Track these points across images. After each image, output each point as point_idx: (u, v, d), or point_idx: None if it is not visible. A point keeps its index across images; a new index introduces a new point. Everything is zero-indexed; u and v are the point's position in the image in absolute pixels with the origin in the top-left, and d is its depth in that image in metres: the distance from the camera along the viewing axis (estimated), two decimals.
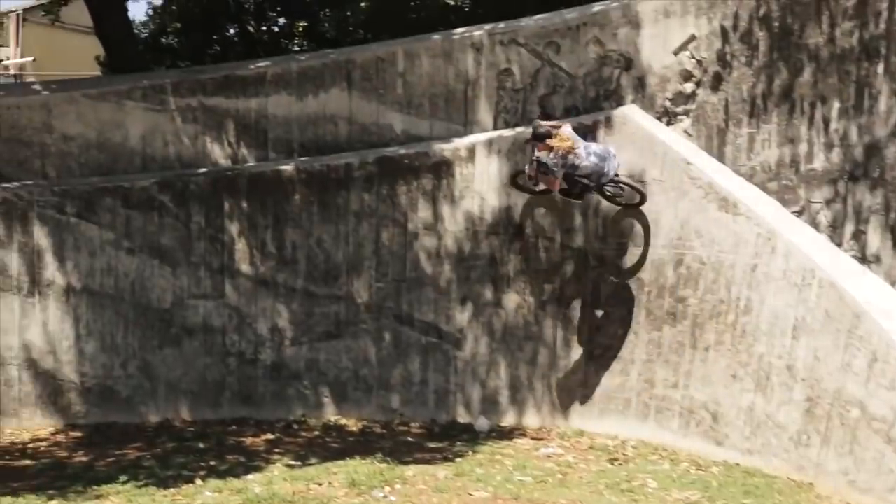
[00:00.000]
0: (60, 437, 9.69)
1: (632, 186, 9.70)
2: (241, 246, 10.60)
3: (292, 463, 8.50)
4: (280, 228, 10.63)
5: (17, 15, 25.42)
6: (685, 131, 10.20)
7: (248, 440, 9.56)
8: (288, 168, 10.73)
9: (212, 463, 8.51)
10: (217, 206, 10.58)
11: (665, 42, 10.29)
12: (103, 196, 10.39)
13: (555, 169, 9.51)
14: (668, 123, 10.24)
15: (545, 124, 9.76)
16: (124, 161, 11.10)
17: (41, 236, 10.19)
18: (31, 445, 9.37)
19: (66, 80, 13.05)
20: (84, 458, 8.81)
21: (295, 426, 10.14)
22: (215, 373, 10.45)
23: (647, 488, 7.85)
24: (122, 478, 7.88)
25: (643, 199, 9.71)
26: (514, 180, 10.37)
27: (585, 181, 9.54)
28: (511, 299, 10.31)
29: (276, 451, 9.08)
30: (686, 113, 10.27)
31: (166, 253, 10.46)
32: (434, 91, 11.23)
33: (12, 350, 10.00)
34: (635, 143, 9.83)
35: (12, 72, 25.03)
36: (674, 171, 9.48)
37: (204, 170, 10.92)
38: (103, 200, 10.36)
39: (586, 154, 9.48)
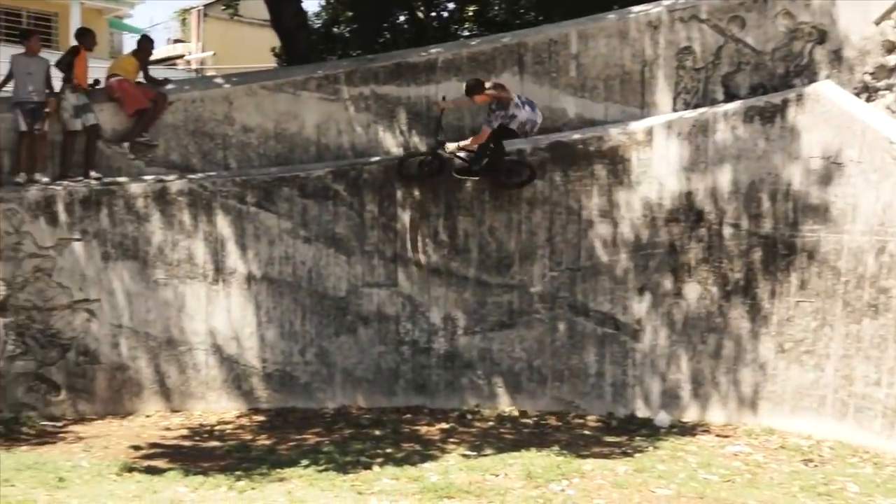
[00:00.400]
0: (244, 421, 9.96)
1: (522, 163, 9.99)
2: (413, 234, 10.59)
3: (467, 453, 8.41)
4: (452, 217, 10.56)
5: (199, 11, 26.62)
6: (888, 108, 9.44)
7: (423, 429, 9.54)
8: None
9: (388, 450, 8.51)
10: (389, 194, 10.61)
11: (865, 11, 9.57)
12: (281, 186, 10.58)
13: (492, 119, 9.69)
14: (868, 100, 9.53)
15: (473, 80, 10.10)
16: (300, 151, 11.30)
17: (224, 225, 10.47)
18: (217, 427, 9.67)
19: (245, 72, 13.43)
20: (267, 442, 9.00)
21: (469, 416, 10.06)
22: (389, 361, 10.50)
23: (847, 492, 7.32)
24: (304, 462, 7.97)
25: (533, 175, 9.93)
26: (401, 168, 10.20)
27: (517, 133, 9.87)
28: (692, 289, 9.86)
29: (451, 440, 9.02)
30: (889, 88, 9.51)
31: (341, 241, 10.57)
32: (609, 73, 10.89)
33: (199, 335, 10.34)
34: (830, 121, 9.16)
35: (193, 66, 26.22)
36: (875, 152, 8.77)
37: (376, 158, 10.98)
38: (281, 190, 10.55)
39: (521, 103, 9.88)
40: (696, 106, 10.32)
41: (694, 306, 9.83)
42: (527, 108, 10.00)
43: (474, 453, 8.38)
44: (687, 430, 9.45)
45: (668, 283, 9.96)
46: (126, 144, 10.85)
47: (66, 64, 10.92)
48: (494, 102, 9.95)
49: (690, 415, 9.82)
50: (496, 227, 10.48)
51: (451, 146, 10.19)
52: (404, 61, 11.48)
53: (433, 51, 11.70)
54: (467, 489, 7.15)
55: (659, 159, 10.00)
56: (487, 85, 10.03)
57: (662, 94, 10.60)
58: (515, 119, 9.87)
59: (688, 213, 9.90)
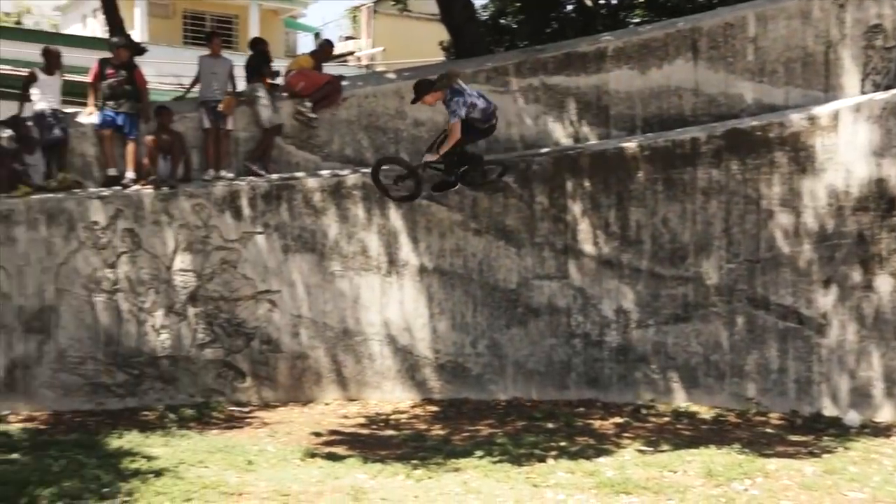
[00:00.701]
0: (418, 410, 10.12)
1: (495, 162, 9.57)
2: (584, 226, 10.48)
3: (643, 448, 8.25)
4: (623, 207, 10.38)
5: (369, 8, 27.33)
6: None
7: (596, 423, 9.43)
8: (630, 145, 10.45)
9: (562, 444, 8.46)
10: (559, 185, 10.53)
11: None
12: None
13: (456, 108, 9.09)
14: None
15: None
16: None
17: (396, 218, 10.66)
18: (392, 417, 9.87)
19: (416, 67, 13.62)
20: (441, 432, 9.12)
21: (643, 411, 9.87)
22: (561, 353, 10.43)
23: None
24: (478, 453, 8.02)
25: (505, 170, 9.56)
26: (376, 176, 9.68)
27: (480, 125, 9.29)
28: (885, 282, 9.31)
29: (626, 435, 8.87)
30: None
31: (511, 233, 10.57)
32: (789, 55, 10.44)
33: (374, 326, 10.59)
34: None
35: (363, 62, 26.92)
36: None
37: (546, 150, 10.92)
38: None
39: (475, 94, 9.29)
40: (888, 87, 9.72)
41: (886, 300, 9.28)
42: (481, 99, 9.65)
43: (650, 449, 8.22)
44: (880, 430, 8.93)
45: (856, 276, 9.43)
46: (309, 104, 11.15)
47: (255, 67, 11.33)
48: (448, 94, 9.53)
49: (884, 415, 9.27)
50: (669, 218, 10.22)
51: (428, 157, 9.72)
52: (574, 51, 11.39)
53: (603, 39, 11.54)
54: (644, 485, 7.03)
55: (846, 145, 9.48)
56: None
57: (849, 76, 10.05)
58: (476, 108, 9.46)
59: (878, 200, 9.34)
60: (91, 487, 6.82)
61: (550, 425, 9.27)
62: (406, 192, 9.88)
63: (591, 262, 10.42)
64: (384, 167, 10.10)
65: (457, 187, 10.10)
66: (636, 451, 8.16)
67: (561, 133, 11.31)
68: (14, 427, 9.27)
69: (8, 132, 10.71)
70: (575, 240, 10.48)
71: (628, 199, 10.36)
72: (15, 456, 7.90)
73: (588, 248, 10.44)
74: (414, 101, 9.96)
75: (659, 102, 11.00)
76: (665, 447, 8.26)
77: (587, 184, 10.47)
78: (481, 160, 9.92)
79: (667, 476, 7.31)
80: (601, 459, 7.85)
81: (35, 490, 6.71)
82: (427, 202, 10.58)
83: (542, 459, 7.87)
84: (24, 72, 12.53)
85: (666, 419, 9.57)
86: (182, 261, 10.49)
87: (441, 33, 17.20)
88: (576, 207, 10.50)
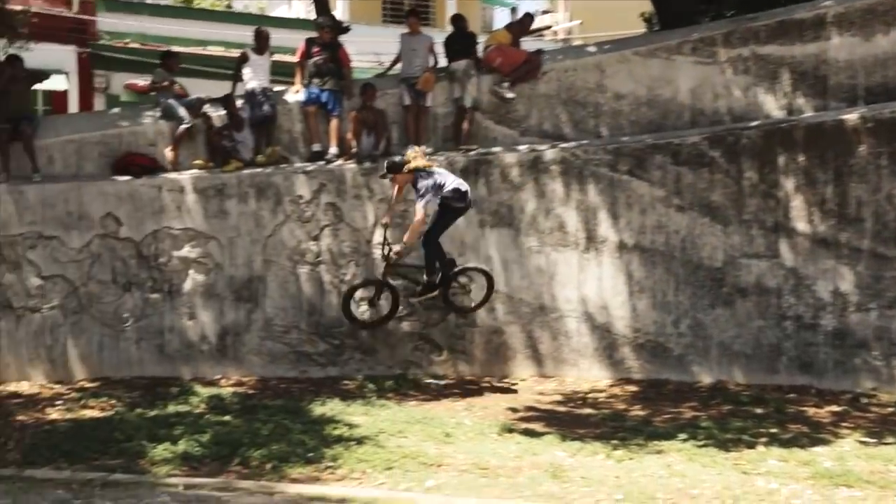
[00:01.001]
0: (616, 390, 9.86)
1: (478, 270, 9.35)
2: (796, 203, 9.91)
3: (865, 440, 7.75)
4: (842, 183, 9.77)
5: None
6: None
7: (810, 410, 8.90)
8: (851, 117, 9.81)
9: (772, 430, 8.05)
10: (770, 160, 10.00)
11: None
12: (653, 153, 10.31)
13: (424, 192, 8.63)
14: None
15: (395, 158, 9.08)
16: (673, 117, 10.98)
17: (595, 194, 10.40)
18: (590, 395, 9.65)
19: (617, 39, 13.21)
20: (641, 413, 8.84)
21: (863, 400, 9.25)
22: (770, 336, 9.88)
23: None
24: (681, 436, 7.75)
25: (491, 283, 9.19)
26: (347, 308, 9.44)
27: (455, 203, 8.86)
28: None
29: (844, 425, 8.34)
30: None
31: (716, 210, 10.12)
32: None
33: (571, 303, 10.38)
34: None
35: (560, 36, 26.62)
36: None
37: (756, 123, 10.42)
38: (653, 157, 10.29)
39: (445, 173, 8.91)
40: None
41: None
42: (448, 175, 9.21)
43: (873, 440, 7.70)
44: None
45: None
46: (506, 84, 11.04)
47: (462, 46, 11.30)
48: (417, 176, 8.91)
49: None
50: (895, 195, 9.45)
51: (396, 247, 9.25)
52: (789, 18, 10.79)
53: (822, 4, 10.83)
54: (868, 479, 6.58)
55: None
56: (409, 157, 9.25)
57: None
58: (444, 187, 8.84)
59: None
60: (297, 451, 7.05)
61: (759, 411, 8.82)
62: (384, 313, 9.72)
63: (805, 240, 9.82)
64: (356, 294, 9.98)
65: (437, 293, 9.70)
66: (857, 441, 7.69)
67: (772, 105, 10.71)
68: (226, 391, 9.71)
69: (220, 110, 11.21)
70: (787, 217, 9.92)
71: (848, 175, 9.73)
72: (227, 418, 8.30)
73: (801, 226, 9.85)
74: (382, 177, 9.83)
75: (885, 71, 10.26)
76: (890, 440, 7.73)
77: (801, 158, 9.88)
78: (454, 266, 9.56)
79: (893, 470, 6.83)
80: (817, 449, 7.44)
81: (246, 451, 7.02)
82: (628, 177, 10.26)
83: (751, 446, 7.53)
84: (235, 53, 13.05)
85: (890, 409, 8.92)
86: (381, 234, 10.62)
87: (640, 4, 16.67)
88: (788, 183, 9.93)
